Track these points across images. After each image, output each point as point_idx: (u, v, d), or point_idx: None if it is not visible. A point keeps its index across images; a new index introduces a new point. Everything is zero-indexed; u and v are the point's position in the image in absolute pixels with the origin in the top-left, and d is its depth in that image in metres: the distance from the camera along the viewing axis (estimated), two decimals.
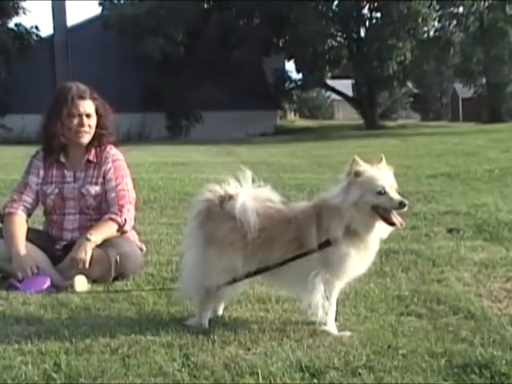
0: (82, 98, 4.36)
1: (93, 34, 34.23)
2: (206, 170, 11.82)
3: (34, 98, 29.94)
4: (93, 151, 4.46)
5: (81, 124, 4.35)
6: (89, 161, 4.45)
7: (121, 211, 4.32)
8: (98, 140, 4.46)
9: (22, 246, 4.19)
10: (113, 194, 4.39)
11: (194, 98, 32.99)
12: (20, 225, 4.31)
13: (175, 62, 33.33)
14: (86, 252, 4.11)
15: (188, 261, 3.39)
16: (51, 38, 36.41)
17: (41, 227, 4.63)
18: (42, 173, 4.48)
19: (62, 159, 4.47)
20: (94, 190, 4.40)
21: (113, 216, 4.30)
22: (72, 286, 4.00)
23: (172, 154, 17.54)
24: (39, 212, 4.59)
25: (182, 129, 35.74)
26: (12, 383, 2.61)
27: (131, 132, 29.83)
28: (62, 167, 4.47)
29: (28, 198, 4.44)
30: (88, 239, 4.15)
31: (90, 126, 4.39)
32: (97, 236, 4.19)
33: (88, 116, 4.37)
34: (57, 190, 4.42)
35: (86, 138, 4.40)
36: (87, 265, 4.10)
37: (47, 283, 4.07)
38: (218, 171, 11.65)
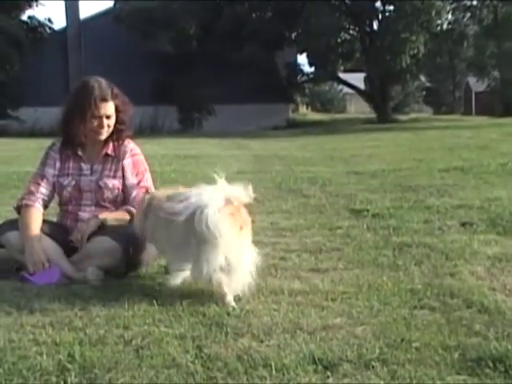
0: (104, 100, 4.28)
1: (106, 27, 34.27)
2: (218, 163, 11.82)
3: (47, 91, 30.26)
4: (111, 145, 4.46)
5: (100, 125, 4.33)
6: (107, 154, 4.45)
7: None
8: (116, 134, 4.45)
9: (35, 239, 4.19)
10: (134, 193, 4.41)
11: (206, 91, 32.97)
12: (36, 218, 4.30)
13: (187, 56, 33.37)
14: (89, 224, 4.19)
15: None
16: (64, 30, 36.53)
17: (55, 219, 4.65)
18: (58, 164, 4.48)
19: (80, 152, 4.46)
20: (112, 183, 4.41)
21: (130, 208, 4.34)
22: (85, 277, 4.03)
23: (184, 147, 17.57)
24: (53, 204, 4.60)
25: (193, 122, 35.78)
26: (27, 373, 2.63)
27: (143, 125, 29.82)
28: (79, 160, 4.47)
29: (45, 190, 4.43)
30: (96, 216, 4.25)
31: (108, 125, 4.37)
32: (106, 216, 4.27)
33: (108, 117, 4.35)
34: (73, 182, 4.42)
35: (103, 136, 4.40)
36: (85, 237, 4.16)
37: (57, 276, 4.09)
38: (229, 164, 11.67)
